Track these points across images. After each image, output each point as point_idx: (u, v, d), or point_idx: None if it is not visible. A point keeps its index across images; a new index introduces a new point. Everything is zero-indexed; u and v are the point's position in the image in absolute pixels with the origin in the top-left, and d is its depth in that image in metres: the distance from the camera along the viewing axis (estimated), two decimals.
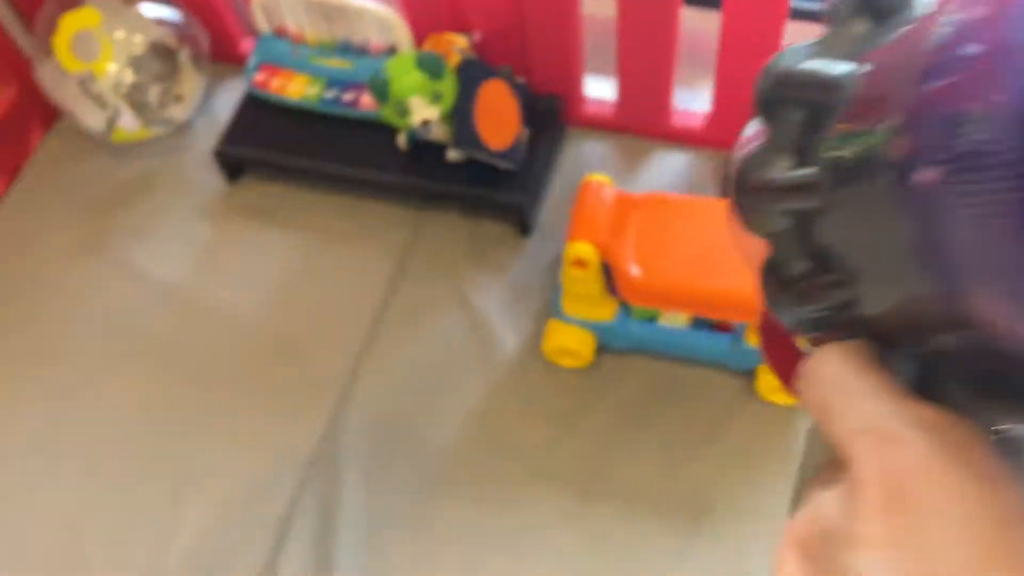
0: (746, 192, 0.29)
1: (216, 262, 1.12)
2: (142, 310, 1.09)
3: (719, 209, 0.89)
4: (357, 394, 1.00)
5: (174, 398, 1.02)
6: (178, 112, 1.20)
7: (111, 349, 1.06)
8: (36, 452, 1.00)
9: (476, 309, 1.05)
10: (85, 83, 1.13)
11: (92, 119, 1.16)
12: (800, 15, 0.99)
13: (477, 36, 1.10)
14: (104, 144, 1.22)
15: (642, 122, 1.13)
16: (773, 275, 0.30)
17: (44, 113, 1.25)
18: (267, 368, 1.03)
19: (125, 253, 1.14)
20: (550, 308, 1.03)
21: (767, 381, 0.92)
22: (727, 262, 0.85)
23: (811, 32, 0.29)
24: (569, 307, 0.94)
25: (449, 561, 0.89)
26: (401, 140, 1.10)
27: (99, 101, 1.15)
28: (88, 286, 1.11)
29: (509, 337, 1.02)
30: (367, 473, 0.95)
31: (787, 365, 0.33)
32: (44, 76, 1.16)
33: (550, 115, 1.13)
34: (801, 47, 0.29)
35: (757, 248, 0.29)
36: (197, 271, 1.11)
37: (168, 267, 1.12)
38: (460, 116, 1.01)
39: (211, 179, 1.18)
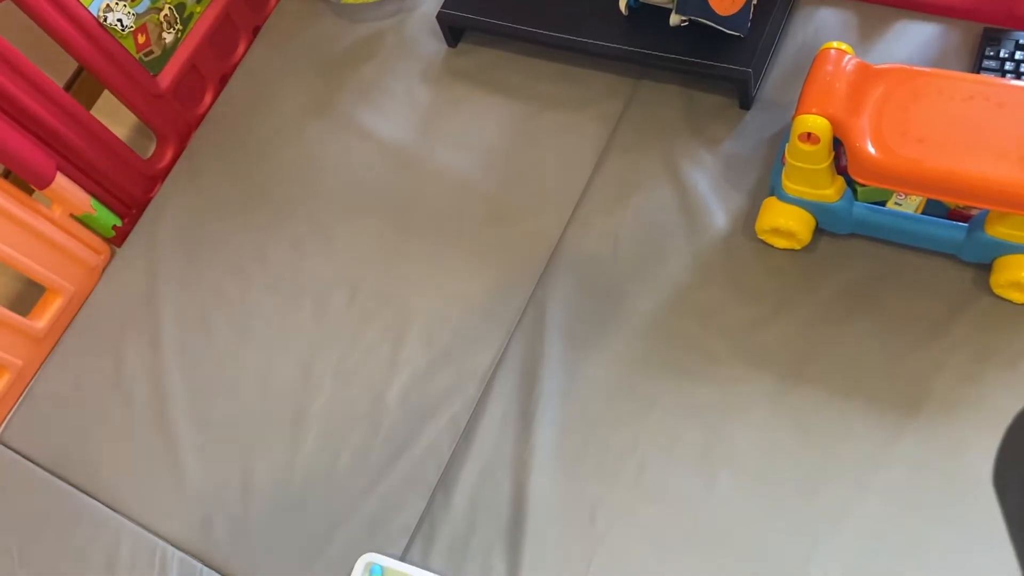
0: None
1: (436, 123, 1.15)
2: (368, 166, 1.15)
3: (977, 85, 0.80)
4: (565, 258, 1.02)
5: (396, 250, 1.08)
6: None
7: (341, 201, 1.13)
8: (278, 292, 1.10)
9: (688, 182, 1.02)
10: None
11: None
12: None
13: None
14: (335, 5, 1.27)
15: None
16: None
17: None
18: (481, 228, 1.07)
19: (353, 113, 1.19)
20: (767, 186, 0.99)
21: (1005, 276, 0.85)
22: (982, 144, 0.77)
23: None
24: (790, 185, 0.90)
25: (645, 426, 0.91)
26: (622, 3, 1.07)
27: None
28: (321, 143, 1.19)
29: (720, 213, 1.00)
30: (571, 335, 0.97)
31: None
32: None
33: None
34: None
35: None
36: (418, 131, 1.16)
37: (392, 127, 1.17)
38: None
39: (433, 43, 1.21)
